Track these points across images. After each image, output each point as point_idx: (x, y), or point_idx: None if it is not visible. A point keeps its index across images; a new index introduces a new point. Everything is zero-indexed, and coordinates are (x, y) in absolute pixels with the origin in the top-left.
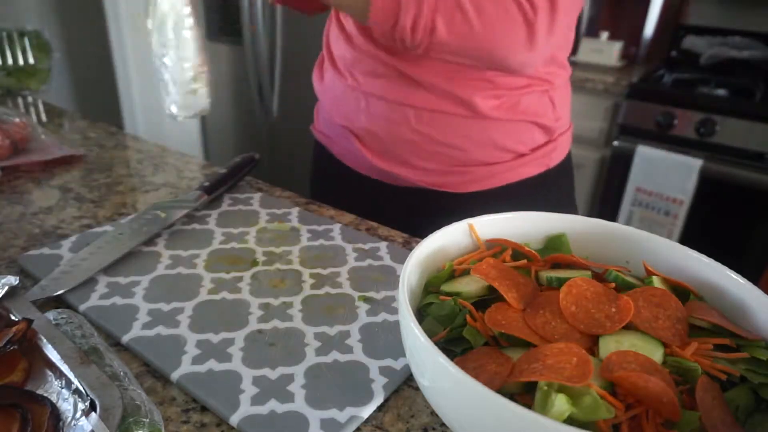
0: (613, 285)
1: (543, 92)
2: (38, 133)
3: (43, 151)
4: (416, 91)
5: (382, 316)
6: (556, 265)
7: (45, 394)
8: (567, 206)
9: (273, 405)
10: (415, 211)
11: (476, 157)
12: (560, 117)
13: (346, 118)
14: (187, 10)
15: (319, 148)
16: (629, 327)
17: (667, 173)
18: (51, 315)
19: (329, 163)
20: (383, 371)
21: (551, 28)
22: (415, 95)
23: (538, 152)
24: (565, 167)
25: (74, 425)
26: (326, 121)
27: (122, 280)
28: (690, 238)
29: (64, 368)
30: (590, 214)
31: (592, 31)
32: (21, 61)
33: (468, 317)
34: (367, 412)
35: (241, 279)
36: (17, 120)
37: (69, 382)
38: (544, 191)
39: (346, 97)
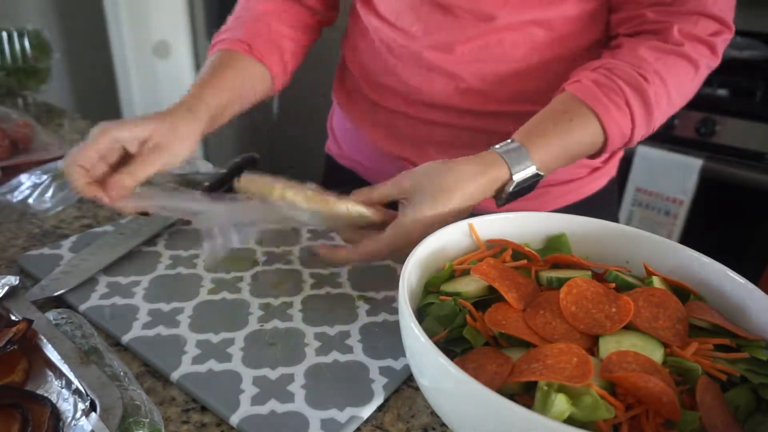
0: (613, 285)
1: None
2: (38, 133)
3: (43, 151)
4: (489, 115)
5: (382, 316)
6: (556, 266)
7: (45, 394)
8: (616, 213)
9: (273, 405)
10: None
11: (557, 175)
12: None
13: (402, 148)
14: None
15: (337, 171)
16: (629, 327)
17: (667, 173)
18: (51, 315)
19: (356, 187)
20: (383, 371)
21: (726, 42)
22: (488, 119)
23: (609, 163)
24: (618, 172)
25: (74, 425)
26: (364, 149)
27: (122, 280)
28: (690, 238)
29: (64, 368)
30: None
31: None
32: (21, 61)
33: (468, 317)
34: (367, 412)
35: (241, 279)
36: (18, 119)
37: (69, 382)
38: (611, 200)
39: (398, 124)
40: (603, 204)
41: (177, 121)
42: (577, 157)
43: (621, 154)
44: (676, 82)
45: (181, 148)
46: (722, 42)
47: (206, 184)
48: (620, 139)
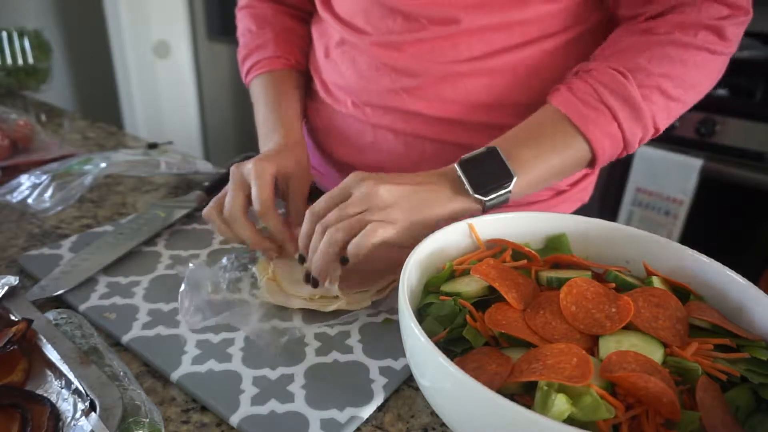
0: (613, 285)
1: None
2: (38, 133)
3: (43, 151)
4: (438, 122)
5: (382, 316)
6: (556, 266)
7: (45, 394)
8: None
9: (273, 405)
10: None
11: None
12: None
13: (346, 151)
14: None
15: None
16: (629, 327)
17: (667, 173)
18: (51, 315)
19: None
20: (383, 371)
21: (742, 32)
22: (435, 126)
23: (577, 187)
24: (592, 200)
25: (74, 425)
26: (315, 153)
27: (122, 280)
28: (690, 238)
29: (64, 368)
30: (590, 214)
31: None
32: (21, 61)
33: (468, 317)
34: (367, 412)
35: (241, 279)
36: (18, 119)
37: (69, 382)
38: None
39: (347, 130)
40: None
41: (296, 153)
42: (560, 165)
43: (592, 178)
44: (668, 72)
45: (308, 175)
46: (733, 26)
47: (206, 184)
48: (610, 142)
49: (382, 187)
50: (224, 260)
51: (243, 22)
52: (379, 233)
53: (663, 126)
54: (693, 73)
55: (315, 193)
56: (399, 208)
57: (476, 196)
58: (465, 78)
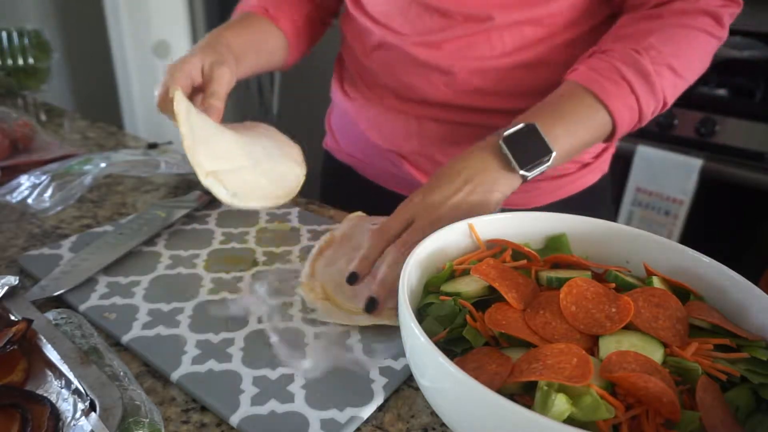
0: (613, 285)
1: None
2: (38, 133)
3: (43, 151)
4: (475, 111)
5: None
6: (556, 266)
7: (45, 394)
8: (611, 208)
9: (273, 405)
10: None
11: (546, 171)
12: None
13: (392, 141)
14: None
15: (335, 167)
16: (629, 327)
17: (667, 173)
18: (51, 315)
19: (353, 183)
20: (383, 371)
21: (733, 18)
22: (475, 114)
23: (600, 159)
24: (611, 170)
25: (74, 425)
26: (359, 143)
27: (122, 280)
28: (690, 238)
29: (64, 368)
30: (610, 218)
31: None
32: (21, 61)
33: (468, 317)
34: (367, 412)
35: (241, 279)
36: (18, 119)
37: (69, 382)
38: (603, 197)
39: (390, 119)
40: (596, 200)
41: (220, 46)
42: (587, 137)
43: (612, 150)
44: (675, 51)
45: (231, 63)
46: (728, 14)
47: None
48: (629, 114)
49: (442, 209)
50: (259, 288)
51: None
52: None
53: (671, 100)
54: (694, 54)
55: (354, 178)
56: (458, 219)
57: (522, 172)
58: (498, 70)
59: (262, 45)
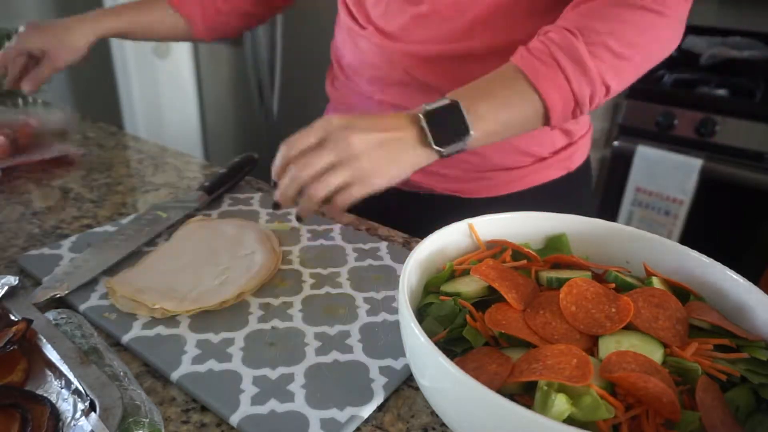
0: (613, 285)
1: None
2: (40, 134)
3: (43, 151)
4: (432, 98)
5: (382, 316)
6: (556, 266)
7: (45, 394)
8: (587, 211)
9: (273, 405)
10: (432, 217)
11: (497, 162)
12: (581, 121)
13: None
14: None
15: None
16: (629, 327)
17: (667, 173)
18: (51, 315)
19: None
20: (383, 371)
21: (683, 4)
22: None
23: (560, 155)
24: (585, 171)
25: (74, 425)
26: None
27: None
28: (690, 238)
29: (64, 368)
30: (590, 214)
31: None
32: None
33: (468, 317)
34: (367, 412)
35: None
36: (19, 119)
37: (69, 382)
38: (565, 195)
39: (357, 105)
40: (558, 197)
41: (63, 33)
42: (513, 119)
43: (580, 149)
44: (611, 29)
45: (67, 54)
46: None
47: (206, 184)
48: (560, 97)
49: (355, 137)
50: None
51: None
52: (354, 192)
53: (614, 85)
54: (634, 31)
55: None
56: (369, 158)
57: (436, 148)
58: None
59: (152, 27)
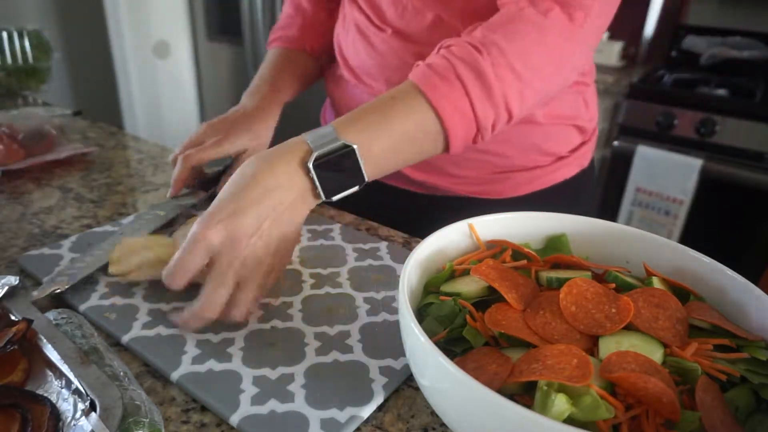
0: (613, 285)
1: (578, 93)
2: (57, 143)
3: (56, 152)
4: None
5: (382, 316)
6: (556, 266)
7: (45, 394)
8: (593, 206)
9: (273, 405)
10: (451, 219)
11: (517, 162)
12: (593, 117)
13: None
14: None
15: None
16: (629, 327)
17: (667, 173)
18: (51, 315)
19: None
20: (383, 371)
21: (595, 24)
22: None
23: (576, 153)
24: (592, 166)
25: (74, 425)
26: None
27: (122, 280)
28: (690, 238)
29: (64, 368)
30: (590, 214)
31: None
32: (21, 61)
33: (468, 317)
34: (367, 412)
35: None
36: (44, 129)
37: (69, 382)
38: (580, 191)
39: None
40: (574, 195)
41: (260, 129)
42: (410, 155)
43: (592, 146)
44: (518, 52)
45: (262, 148)
46: (583, 9)
47: (203, 181)
48: (460, 119)
49: (248, 250)
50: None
51: (284, 6)
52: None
53: (516, 110)
54: (543, 58)
55: (371, 184)
56: (270, 257)
57: (324, 198)
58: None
59: (304, 81)
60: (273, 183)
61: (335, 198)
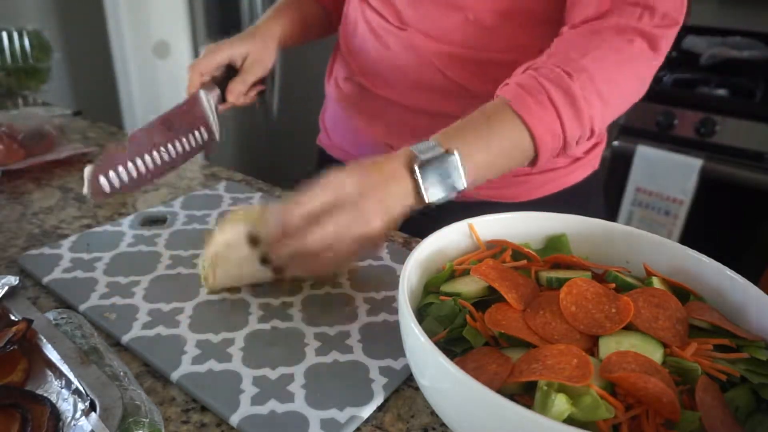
0: (613, 285)
1: None
2: (59, 143)
3: (56, 152)
4: (472, 102)
5: (382, 316)
6: (556, 266)
7: (45, 394)
8: (601, 209)
9: (273, 405)
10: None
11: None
12: None
13: (388, 135)
14: None
15: (328, 163)
16: (629, 327)
17: (667, 173)
18: (51, 315)
19: None
20: (383, 371)
21: (670, 45)
22: (471, 107)
23: (591, 154)
24: (601, 168)
25: (74, 425)
26: (351, 138)
27: (122, 280)
28: (690, 238)
29: (64, 368)
30: (600, 216)
31: None
32: (21, 61)
33: (468, 317)
34: (367, 412)
35: None
36: (44, 129)
37: (69, 382)
38: (590, 194)
39: (386, 113)
40: (586, 196)
41: (265, 41)
42: (505, 167)
43: (602, 145)
44: (606, 79)
45: (269, 60)
46: (665, 39)
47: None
48: (551, 138)
49: (368, 205)
50: None
51: None
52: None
53: (598, 128)
54: (628, 83)
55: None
56: (379, 226)
57: (427, 201)
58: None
59: (306, 26)
60: (385, 169)
61: (436, 203)
